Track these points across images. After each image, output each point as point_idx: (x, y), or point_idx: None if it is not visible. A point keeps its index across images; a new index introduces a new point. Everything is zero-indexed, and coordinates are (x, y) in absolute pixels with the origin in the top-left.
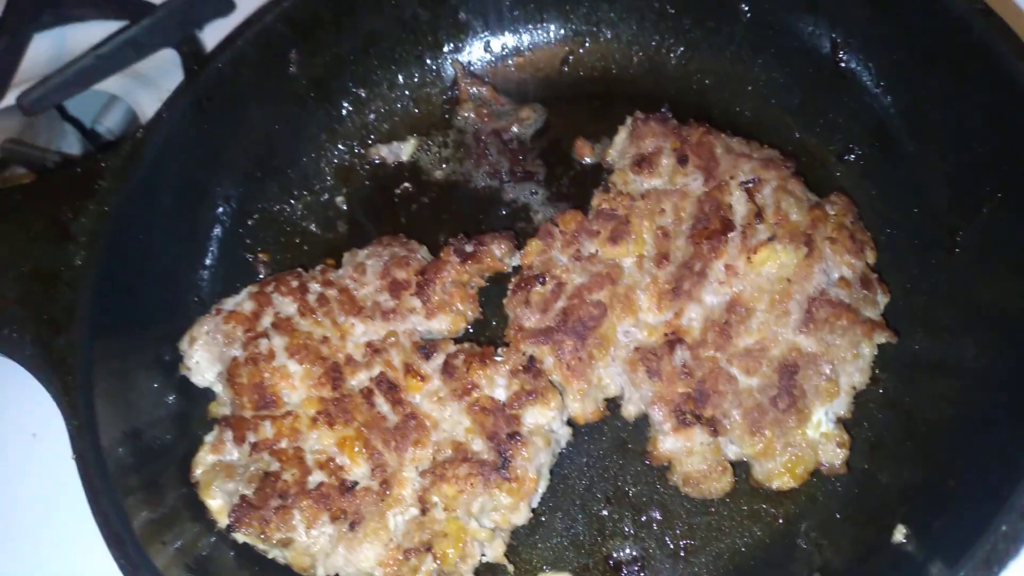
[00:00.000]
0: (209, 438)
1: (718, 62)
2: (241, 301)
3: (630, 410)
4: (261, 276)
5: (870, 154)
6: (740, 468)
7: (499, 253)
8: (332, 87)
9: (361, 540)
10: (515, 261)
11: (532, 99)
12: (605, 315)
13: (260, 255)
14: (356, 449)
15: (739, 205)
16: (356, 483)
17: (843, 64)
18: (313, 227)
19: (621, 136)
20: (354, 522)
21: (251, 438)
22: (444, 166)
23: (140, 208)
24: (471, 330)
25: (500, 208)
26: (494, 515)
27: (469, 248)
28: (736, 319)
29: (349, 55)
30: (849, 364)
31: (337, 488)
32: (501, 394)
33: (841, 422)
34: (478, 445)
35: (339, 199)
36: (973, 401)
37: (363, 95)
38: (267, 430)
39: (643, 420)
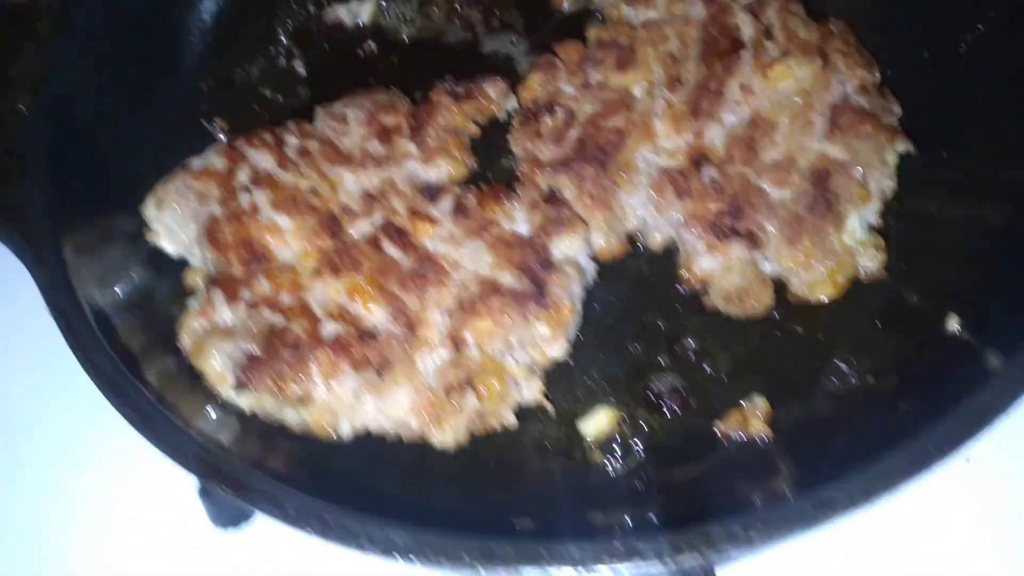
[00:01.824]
0: (194, 303)
1: None
2: (210, 157)
3: (656, 238)
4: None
5: None
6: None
7: (494, 93)
8: None
9: (391, 385)
10: (511, 103)
11: None
12: (623, 141)
13: (218, 121)
14: (370, 295)
15: (745, 26)
16: (376, 330)
17: None
18: (272, 92)
19: None
20: (381, 367)
21: (245, 296)
22: (410, 24)
23: (83, 54)
24: (463, 185)
25: (479, 62)
26: (530, 350)
27: (461, 89)
28: (760, 134)
29: None
30: (876, 170)
31: (356, 336)
32: (523, 228)
33: (873, 231)
34: (507, 278)
35: (297, 63)
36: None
37: None
38: (263, 286)
39: (665, 254)
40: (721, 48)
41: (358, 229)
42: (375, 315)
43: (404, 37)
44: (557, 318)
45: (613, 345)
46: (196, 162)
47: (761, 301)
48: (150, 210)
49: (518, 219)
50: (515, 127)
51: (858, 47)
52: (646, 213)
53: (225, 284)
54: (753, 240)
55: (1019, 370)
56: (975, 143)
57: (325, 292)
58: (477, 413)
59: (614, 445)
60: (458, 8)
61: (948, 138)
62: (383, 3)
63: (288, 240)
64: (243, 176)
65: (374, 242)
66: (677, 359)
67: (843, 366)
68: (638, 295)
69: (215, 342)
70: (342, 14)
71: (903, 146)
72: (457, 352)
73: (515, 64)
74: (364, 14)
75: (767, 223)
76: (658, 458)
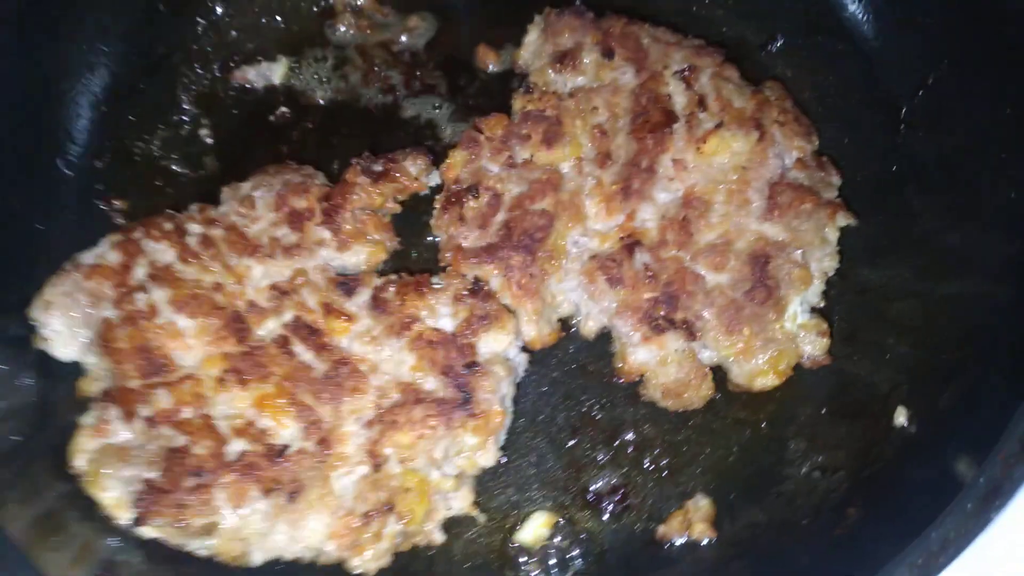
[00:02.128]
0: (88, 419)
1: None
2: (103, 253)
3: (590, 326)
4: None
5: (795, 42)
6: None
7: (415, 170)
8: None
9: (305, 511)
10: (434, 179)
11: (419, 7)
12: (552, 225)
13: (116, 202)
14: (279, 407)
15: (678, 95)
16: (287, 447)
17: None
18: (176, 165)
19: (532, 35)
20: (293, 491)
21: (143, 412)
22: (325, 86)
23: None
24: (387, 264)
25: (400, 127)
26: (458, 460)
27: (378, 167)
28: (695, 214)
29: None
30: (817, 249)
31: (264, 455)
32: (447, 324)
33: (815, 312)
34: (431, 383)
35: (203, 131)
36: (941, 273)
37: (220, 11)
38: (163, 400)
39: (602, 338)
40: (653, 120)
41: (266, 329)
42: (286, 430)
43: (319, 100)
44: (486, 426)
45: (548, 441)
46: (87, 257)
47: (700, 394)
48: (38, 314)
49: (441, 314)
50: (437, 211)
51: (796, 115)
52: (578, 300)
53: (121, 399)
54: (690, 330)
55: (988, 482)
56: (918, 209)
57: (231, 405)
58: (401, 533)
59: (551, 556)
60: (377, 69)
61: (891, 205)
62: (295, 64)
63: (190, 344)
64: (140, 272)
65: (284, 344)
66: (616, 454)
67: (791, 460)
68: (573, 385)
69: (111, 467)
70: (251, 76)
71: (844, 221)
72: (377, 469)
73: (438, 130)
74: (275, 75)
75: (704, 311)
76: (599, 570)
